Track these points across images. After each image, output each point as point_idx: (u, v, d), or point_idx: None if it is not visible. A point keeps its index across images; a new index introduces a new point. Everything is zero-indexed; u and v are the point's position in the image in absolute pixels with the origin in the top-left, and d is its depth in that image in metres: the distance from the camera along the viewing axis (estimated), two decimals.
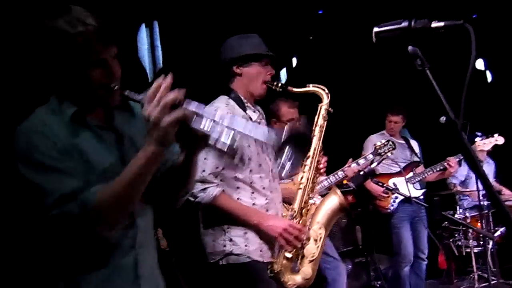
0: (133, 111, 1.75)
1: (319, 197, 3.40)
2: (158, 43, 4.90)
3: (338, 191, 2.70)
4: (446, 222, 2.28)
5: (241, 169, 2.49)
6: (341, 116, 5.56)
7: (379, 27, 1.33)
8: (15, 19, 3.62)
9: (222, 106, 2.50)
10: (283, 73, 6.05)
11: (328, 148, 2.95)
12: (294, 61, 6.22)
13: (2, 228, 3.45)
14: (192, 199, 2.42)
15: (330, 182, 3.79)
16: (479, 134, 4.81)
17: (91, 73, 1.51)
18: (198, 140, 1.53)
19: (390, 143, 3.91)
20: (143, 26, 4.88)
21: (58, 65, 1.52)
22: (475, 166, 1.26)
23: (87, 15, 1.50)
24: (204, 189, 2.40)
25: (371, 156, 3.90)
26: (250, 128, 1.45)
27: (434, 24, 1.27)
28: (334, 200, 2.67)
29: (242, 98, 2.61)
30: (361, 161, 3.85)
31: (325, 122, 2.70)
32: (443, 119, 4.53)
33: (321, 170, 2.77)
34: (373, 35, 1.33)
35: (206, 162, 2.42)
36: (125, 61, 1.69)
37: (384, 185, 2.92)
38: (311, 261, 2.52)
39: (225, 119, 1.45)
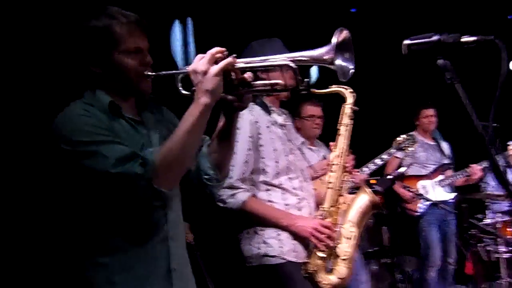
0: (163, 113, 1.84)
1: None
2: (191, 39, 4.96)
3: (368, 189, 2.70)
4: (473, 230, 2.27)
5: (267, 173, 2.53)
6: (372, 114, 5.56)
7: (410, 40, 1.34)
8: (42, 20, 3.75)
9: (246, 113, 2.52)
10: (314, 71, 6.03)
11: (357, 146, 2.95)
12: None
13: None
14: (222, 205, 2.47)
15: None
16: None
17: (129, 60, 1.64)
18: (239, 95, 1.60)
19: (411, 137, 3.93)
20: (177, 22, 4.94)
21: (98, 55, 1.63)
22: (500, 175, 1.27)
23: (124, 11, 1.67)
24: (233, 194, 2.45)
25: (393, 151, 3.95)
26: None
27: (465, 39, 1.28)
28: (364, 198, 2.68)
29: (267, 102, 2.64)
30: (384, 156, 3.89)
31: (351, 121, 2.71)
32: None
33: (348, 169, 2.78)
34: (404, 47, 1.35)
35: (233, 169, 2.43)
36: (158, 56, 1.79)
37: (412, 190, 2.91)
38: (344, 260, 2.53)
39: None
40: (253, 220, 2.51)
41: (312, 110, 3.95)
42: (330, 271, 2.52)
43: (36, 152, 3.50)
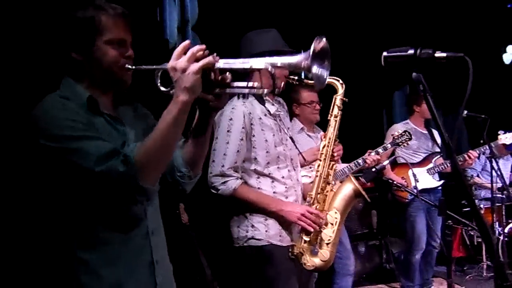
0: (138, 109, 1.88)
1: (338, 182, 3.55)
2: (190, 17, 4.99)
3: (353, 179, 2.86)
4: (450, 223, 2.40)
5: (258, 162, 2.67)
6: (365, 105, 5.64)
7: (387, 52, 1.46)
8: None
9: (239, 105, 2.66)
10: None
11: (350, 137, 3.07)
12: None
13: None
14: (215, 192, 2.63)
15: (350, 169, 3.90)
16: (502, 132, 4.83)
17: (111, 50, 1.65)
18: (217, 95, 1.61)
19: (407, 133, 4.03)
20: None
21: (81, 42, 1.63)
22: (460, 179, 1.39)
23: (111, 4, 1.68)
24: (224, 182, 2.60)
25: (389, 146, 4.03)
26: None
27: (438, 54, 1.39)
28: (349, 187, 2.84)
29: None
30: (380, 150, 3.96)
31: (340, 112, 2.86)
32: (465, 112, 4.61)
33: (336, 158, 2.92)
34: (382, 59, 1.46)
35: (225, 158, 2.60)
36: (151, 40, 1.78)
37: (394, 182, 3.08)
38: (328, 244, 2.71)
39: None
40: (243, 205, 2.66)
41: (311, 96, 3.97)
42: (315, 254, 2.69)
43: (10, 146, 3.39)
